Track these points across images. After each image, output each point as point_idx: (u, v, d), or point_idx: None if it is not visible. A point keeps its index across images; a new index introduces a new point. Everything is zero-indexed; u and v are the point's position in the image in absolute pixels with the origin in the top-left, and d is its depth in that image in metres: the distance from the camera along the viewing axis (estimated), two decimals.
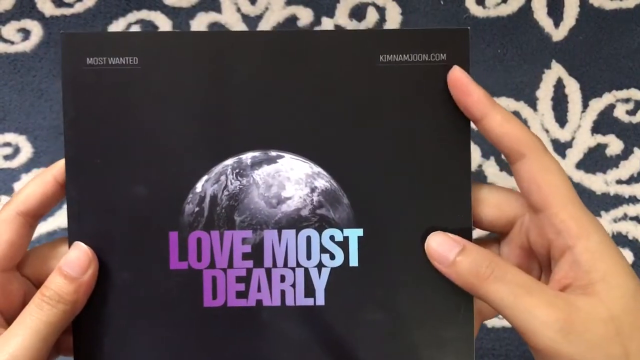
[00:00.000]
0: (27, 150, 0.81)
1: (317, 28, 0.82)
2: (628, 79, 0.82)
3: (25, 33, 0.84)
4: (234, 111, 0.44)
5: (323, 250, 0.44)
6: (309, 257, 0.44)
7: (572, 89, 0.81)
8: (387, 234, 0.44)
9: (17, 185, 0.80)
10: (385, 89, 0.44)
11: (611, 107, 0.81)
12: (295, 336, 0.44)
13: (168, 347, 0.44)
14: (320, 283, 0.44)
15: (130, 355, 0.44)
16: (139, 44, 0.44)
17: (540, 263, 0.44)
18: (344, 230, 0.44)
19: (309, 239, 0.44)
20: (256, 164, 0.44)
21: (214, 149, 0.44)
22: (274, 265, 0.44)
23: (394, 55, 0.44)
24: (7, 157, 0.81)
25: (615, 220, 0.78)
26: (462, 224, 0.44)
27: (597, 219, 0.41)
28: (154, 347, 0.44)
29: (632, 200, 0.79)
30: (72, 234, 0.44)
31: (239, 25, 0.83)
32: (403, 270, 0.44)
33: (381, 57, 0.44)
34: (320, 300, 0.44)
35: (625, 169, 0.79)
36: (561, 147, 0.80)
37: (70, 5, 0.84)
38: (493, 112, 0.41)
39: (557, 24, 0.83)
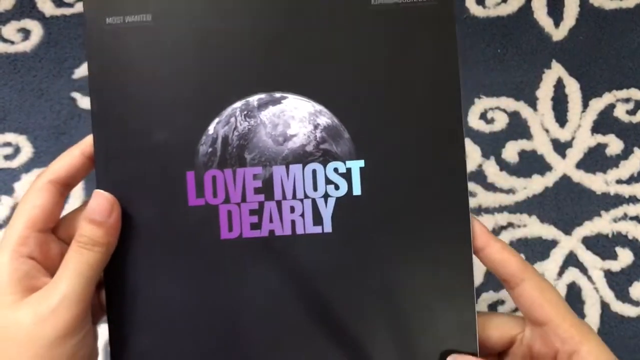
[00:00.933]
0: (27, 150, 0.83)
1: None
2: (628, 79, 0.83)
3: (26, 33, 0.86)
4: (240, 58, 0.48)
5: (328, 181, 0.48)
6: (315, 188, 0.48)
7: (572, 88, 0.83)
8: (387, 164, 0.48)
9: (17, 185, 0.82)
10: (379, 29, 0.48)
11: (611, 107, 0.82)
12: (306, 262, 0.48)
13: (189, 278, 0.48)
14: (327, 212, 0.48)
15: (156, 287, 0.49)
16: (152, 2, 0.48)
17: None
18: (347, 162, 0.48)
19: (314, 172, 0.48)
20: (262, 105, 0.48)
21: (223, 94, 0.48)
22: (284, 197, 0.48)
23: None
24: (7, 157, 0.82)
25: (615, 220, 0.79)
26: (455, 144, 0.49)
27: (587, 323, 0.48)
28: (176, 279, 0.48)
29: (632, 200, 0.80)
30: (99, 183, 0.48)
31: None
32: (403, 198, 0.48)
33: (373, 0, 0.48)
34: (328, 227, 0.48)
35: (625, 169, 0.81)
36: (561, 147, 0.81)
37: (70, 5, 0.87)
38: (492, 242, 0.48)
39: (557, 24, 0.85)
